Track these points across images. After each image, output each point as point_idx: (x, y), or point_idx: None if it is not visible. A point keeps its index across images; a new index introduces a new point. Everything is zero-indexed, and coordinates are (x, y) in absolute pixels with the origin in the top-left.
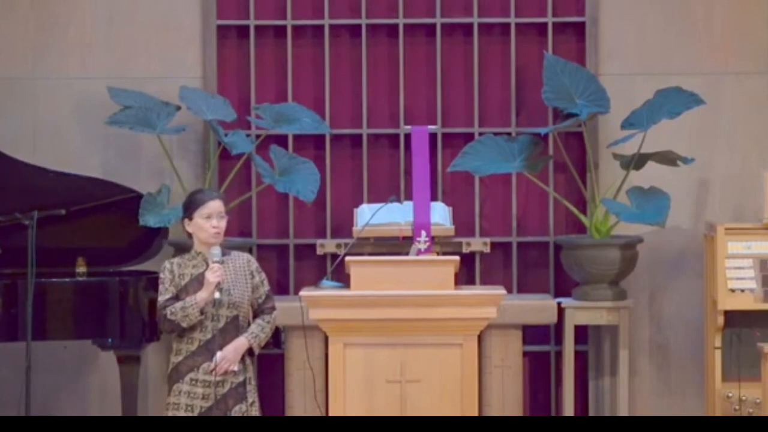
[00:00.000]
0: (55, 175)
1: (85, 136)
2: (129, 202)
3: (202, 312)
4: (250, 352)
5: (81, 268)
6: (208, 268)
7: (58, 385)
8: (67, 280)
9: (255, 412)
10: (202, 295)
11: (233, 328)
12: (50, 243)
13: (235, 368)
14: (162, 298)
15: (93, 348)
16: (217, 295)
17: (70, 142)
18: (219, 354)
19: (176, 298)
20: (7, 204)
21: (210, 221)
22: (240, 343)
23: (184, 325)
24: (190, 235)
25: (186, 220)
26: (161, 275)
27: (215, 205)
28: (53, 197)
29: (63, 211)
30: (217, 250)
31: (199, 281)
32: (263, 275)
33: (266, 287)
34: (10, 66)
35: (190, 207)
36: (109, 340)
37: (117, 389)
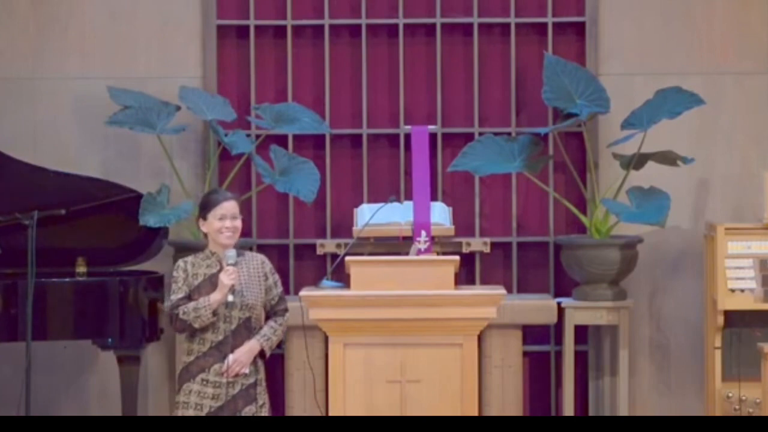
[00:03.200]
0: (55, 175)
1: (85, 136)
2: (129, 202)
3: (214, 313)
4: (261, 354)
5: (81, 268)
6: (223, 271)
7: (58, 385)
8: (67, 280)
9: (265, 413)
10: (215, 297)
11: (245, 329)
12: (50, 243)
13: (247, 371)
14: (174, 297)
15: (93, 348)
16: (230, 297)
17: (70, 142)
18: (231, 357)
19: (188, 297)
20: (7, 204)
21: (223, 222)
22: (252, 346)
23: (196, 325)
24: (205, 235)
25: (201, 221)
26: (174, 273)
27: (229, 206)
28: (53, 197)
29: (63, 211)
30: (232, 252)
31: (211, 282)
32: (277, 276)
33: (279, 289)
34: (10, 66)
35: (205, 208)
36: (109, 340)
37: (117, 389)
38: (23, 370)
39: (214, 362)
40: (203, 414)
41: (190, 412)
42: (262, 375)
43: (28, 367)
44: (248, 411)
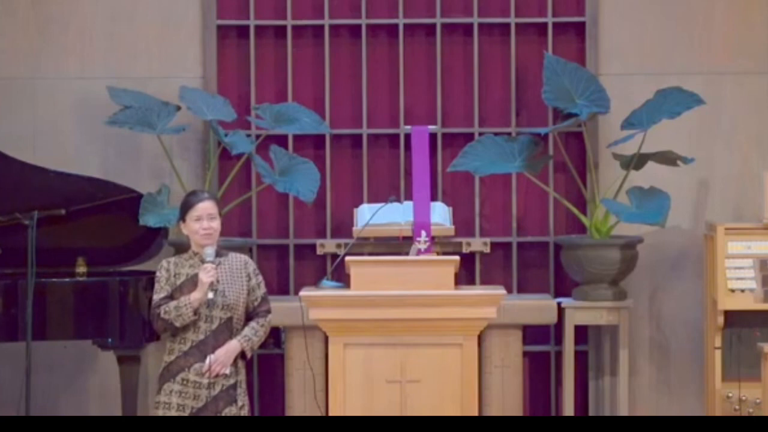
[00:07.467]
0: (55, 175)
1: (85, 136)
2: (129, 202)
3: (195, 312)
4: (242, 355)
5: (81, 268)
6: (201, 268)
7: (58, 385)
8: (67, 280)
9: (245, 414)
10: (195, 296)
11: (226, 329)
12: (50, 243)
13: (227, 371)
14: (156, 296)
15: (93, 348)
16: (210, 295)
17: (70, 142)
18: (211, 357)
19: (171, 297)
20: (7, 204)
21: (200, 223)
22: (232, 346)
23: (177, 324)
24: (188, 237)
25: (181, 223)
26: (157, 274)
27: (204, 207)
28: (53, 197)
29: (63, 211)
30: (210, 250)
31: (193, 281)
32: (260, 278)
33: (263, 290)
34: (10, 66)
35: (183, 210)
36: (109, 340)
37: (117, 389)
38: (23, 370)
39: (195, 362)
40: (186, 415)
41: (173, 413)
42: (242, 377)
43: (28, 367)
44: (228, 412)
